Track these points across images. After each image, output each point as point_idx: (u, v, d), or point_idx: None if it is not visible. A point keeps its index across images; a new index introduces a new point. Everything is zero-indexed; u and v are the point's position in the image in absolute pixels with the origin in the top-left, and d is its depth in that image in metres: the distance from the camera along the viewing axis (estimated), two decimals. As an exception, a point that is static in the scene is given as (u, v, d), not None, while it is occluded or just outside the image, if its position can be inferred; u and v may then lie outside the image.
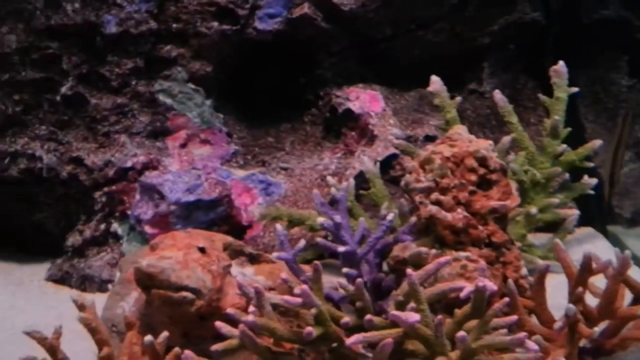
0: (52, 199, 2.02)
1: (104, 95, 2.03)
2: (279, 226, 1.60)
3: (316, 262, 1.41)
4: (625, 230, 2.11)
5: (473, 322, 1.30)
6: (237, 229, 1.99)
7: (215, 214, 1.99)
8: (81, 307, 1.35)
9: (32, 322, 1.73)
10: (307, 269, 1.74)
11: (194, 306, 1.42)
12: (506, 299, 1.26)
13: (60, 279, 1.99)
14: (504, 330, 1.25)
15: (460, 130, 1.65)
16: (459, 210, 1.52)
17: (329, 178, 1.86)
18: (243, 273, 1.63)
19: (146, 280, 1.45)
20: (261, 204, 2.02)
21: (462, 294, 1.26)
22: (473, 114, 2.21)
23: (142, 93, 2.05)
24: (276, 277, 1.62)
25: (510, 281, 1.39)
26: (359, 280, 1.37)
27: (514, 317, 1.30)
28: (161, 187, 1.96)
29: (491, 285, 1.23)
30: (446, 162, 1.56)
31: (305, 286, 1.33)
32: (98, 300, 1.66)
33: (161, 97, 2.06)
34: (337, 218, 1.57)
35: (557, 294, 1.56)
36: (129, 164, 2.01)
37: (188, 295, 1.42)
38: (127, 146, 2.02)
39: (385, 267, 1.64)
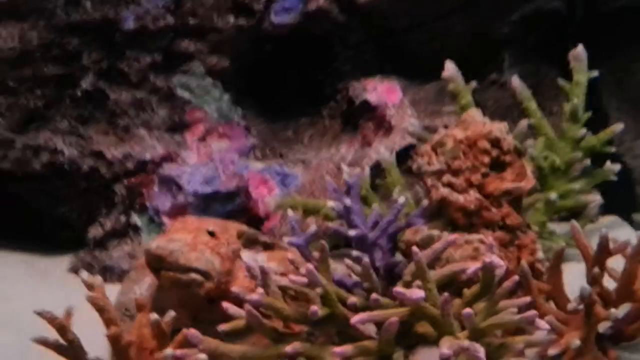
0: (74, 192, 2.06)
1: (124, 90, 2.06)
2: (290, 212, 1.59)
3: (322, 241, 1.40)
4: (651, 218, 2.04)
5: (483, 304, 1.28)
6: (255, 220, 1.99)
7: (232, 206, 2.00)
8: (90, 286, 1.36)
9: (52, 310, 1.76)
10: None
11: (202, 288, 1.43)
12: (516, 277, 1.23)
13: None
14: (514, 309, 1.22)
15: (473, 113, 1.63)
16: (472, 192, 1.50)
17: (344, 166, 1.85)
18: (255, 259, 1.63)
19: (155, 263, 1.46)
20: (278, 195, 2.02)
21: (468, 271, 1.23)
22: (494, 105, 2.17)
23: (160, 87, 2.07)
24: (289, 264, 1.62)
25: (523, 262, 1.36)
26: (365, 260, 1.35)
27: (527, 299, 1.27)
28: (179, 178, 1.98)
29: (498, 261, 1.20)
30: (458, 145, 1.54)
31: (310, 265, 1.32)
32: (117, 290, 1.68)
33: (179, 92, 2.08)
34: (347, 201, 1.56)
35: (577, 283, 1.52)
36: (147, 156, 2.03)
37: (197, 277, 1.43)
38: (146, 139, 2.05)
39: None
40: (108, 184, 2.04)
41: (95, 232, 2.04)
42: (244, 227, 1.73)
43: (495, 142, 1.52)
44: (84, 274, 1.38)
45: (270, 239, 1.74)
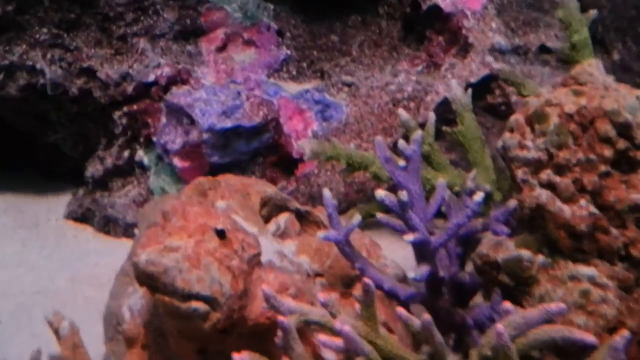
0: (65, 118, 1.67)
1: (118, -15, 1.58)
2: (327, 193, 1.19)
3: (367, 281, 1.01)
4: None
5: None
6: (287, 161, 1.60)
7: (259, 143, 1.59)
8: (56, 333, 1.02)
9: (41, 287, 1.46)
10: (367, 244, 1.35)
11: (208, 321, 1.07)
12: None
13: (82, 217, 1.68)
14: None
15: (591, 68, 1.13)
16: (583, 201, 1.05)
17: (401, 111, 1.38)
18: (281, 252, 1.26)
19: (146, 280, 1.10)
20: (316, 131, 1.59)
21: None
22: (611, 15, 1.60)
23: (165, -18, 1.59)
24: (325, 256, 1.29)
25: (653, 333, 0.94)
26: (426, 317, 0.96)
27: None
28: (191, 109, 1.56)
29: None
30: (568, 123, 1.07)
31: (347, 328, 0.95)
32: (123, 249, 1.34)
33: (191, -14, 1.60)
34: (404, 195, 1.14)
35: None
36: (151, 77, 1.60)
37: (199, 306, 1.06)
38: (148, 54, 1.60)
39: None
40: (105, 110, 1.63)
41: (93, 169, 1.67)
42: (269, 190, 1.35)
43: (624, 129, 1.04)
44: (48, 314, 1.03)
45: (304, 207, 1.36)
